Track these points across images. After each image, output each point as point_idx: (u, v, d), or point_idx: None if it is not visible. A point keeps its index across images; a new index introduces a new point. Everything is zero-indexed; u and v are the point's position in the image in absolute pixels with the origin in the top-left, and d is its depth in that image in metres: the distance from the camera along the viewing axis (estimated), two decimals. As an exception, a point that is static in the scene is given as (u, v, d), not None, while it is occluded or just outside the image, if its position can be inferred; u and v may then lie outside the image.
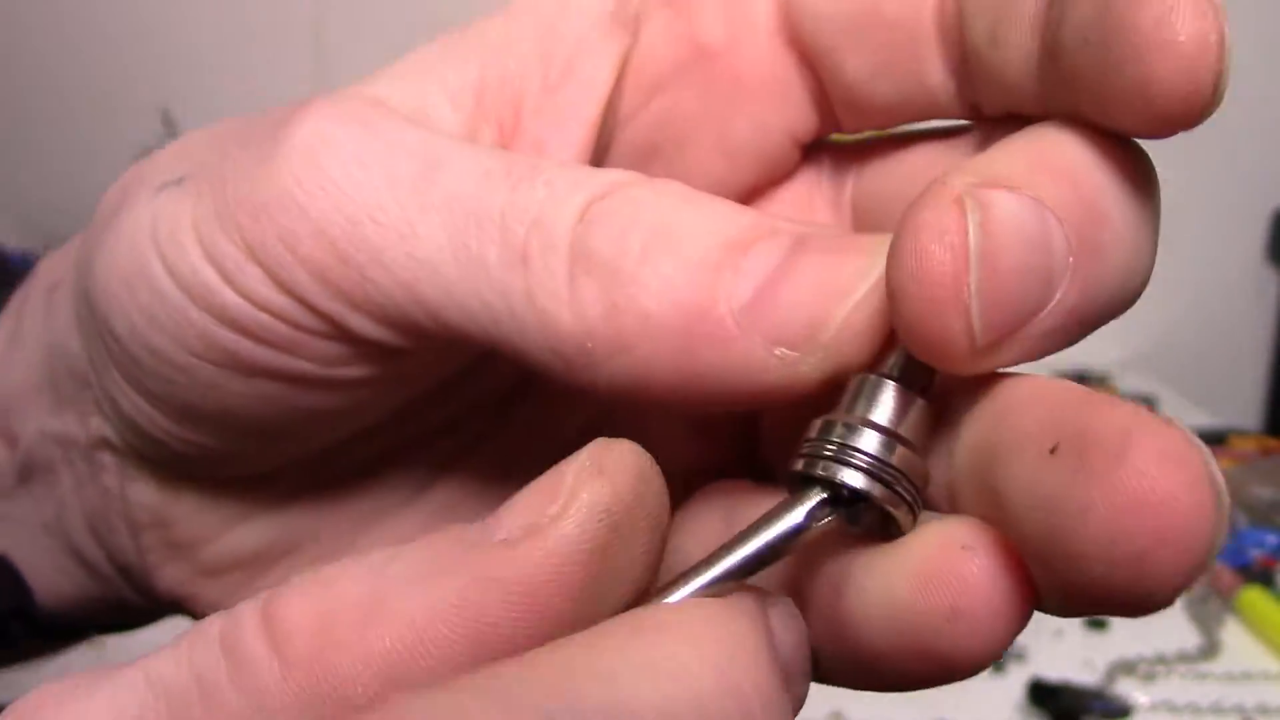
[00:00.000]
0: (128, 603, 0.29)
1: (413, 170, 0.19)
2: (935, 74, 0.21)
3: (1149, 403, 1.31)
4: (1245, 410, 1.64)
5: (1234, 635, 0.79)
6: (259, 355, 0.20)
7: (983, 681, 0.72)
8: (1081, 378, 1.37)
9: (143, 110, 1.50)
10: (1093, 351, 1.54)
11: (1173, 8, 0.17)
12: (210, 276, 0.20)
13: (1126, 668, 0.74)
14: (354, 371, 0.20)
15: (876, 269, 0.18)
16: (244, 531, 0.25)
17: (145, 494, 0.25)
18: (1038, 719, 0.68)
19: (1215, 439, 1.14)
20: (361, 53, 1.70)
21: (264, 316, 0.20)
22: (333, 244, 0.19)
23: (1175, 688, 0.72)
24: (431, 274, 0.18)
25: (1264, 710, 0.70)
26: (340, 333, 0.20)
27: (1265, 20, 1.55)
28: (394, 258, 0.18)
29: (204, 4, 1.51)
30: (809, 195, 0.24)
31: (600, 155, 0.22)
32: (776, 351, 0.18)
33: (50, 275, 0.27)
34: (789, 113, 0.22)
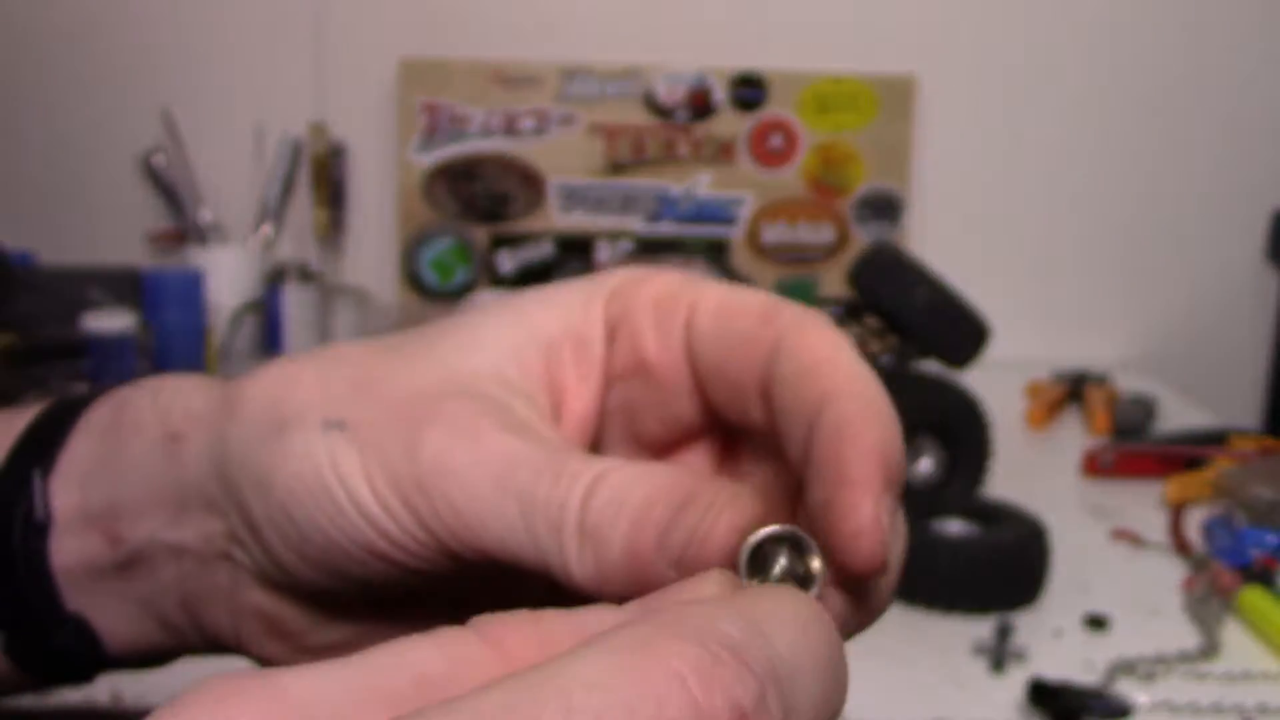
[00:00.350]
0: (197, 650, 0.36)
1: (501, 469, 0.30)
2: (758, 419, 0.31)
3: (1149, 403, 1.31)
4: (1245, 410, 1.64)
5: (1234, 635, 0.79)
6: (399, 556, 0.31)
7: (982, 681, 0.72)
8: (1081, 378, 1.37)
9: (143, 110, 1.50)
10: (1093, 351, 1.54)
11: (861, 531, 0.26)
12: (378, 512, 0.30)
13: (1126, 668, 0.74)
14: (455, 574, 0.31)
15: (712, 513, 0.28)
16: (328, 629, 0.34)
17: (255, 597, 0.34)
18: (1038, 719, 0.68)
19: (1215, 439, 1.14)
20: (362, 53, 1.71)
21: (410, 541, 0.30)
22: (458, 514, 0.30)
23: (1175, 688, 0.72)
24: (513, 537, 0.29)
25: (1264, 710, 0.70)
26: (456, 559, 0.31)
27: (1265, 21, 1.55)
28: (494, 526, 0.30)
29: (204, 4, 1.51)
30: (720, 444, 0.35)
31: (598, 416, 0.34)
32: (671, 572, 0.28)
33: (162, 423, 0.34)
34: (700, 403, 0.33)
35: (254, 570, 0.33)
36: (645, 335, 0.32)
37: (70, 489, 0.34)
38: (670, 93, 1.52)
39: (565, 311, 0.33)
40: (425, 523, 0.30)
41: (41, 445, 0.35)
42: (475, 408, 0.30)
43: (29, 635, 0.34)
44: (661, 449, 0.35)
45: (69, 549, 0.34)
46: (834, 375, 0.28)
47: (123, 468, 0.34)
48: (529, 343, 0.32)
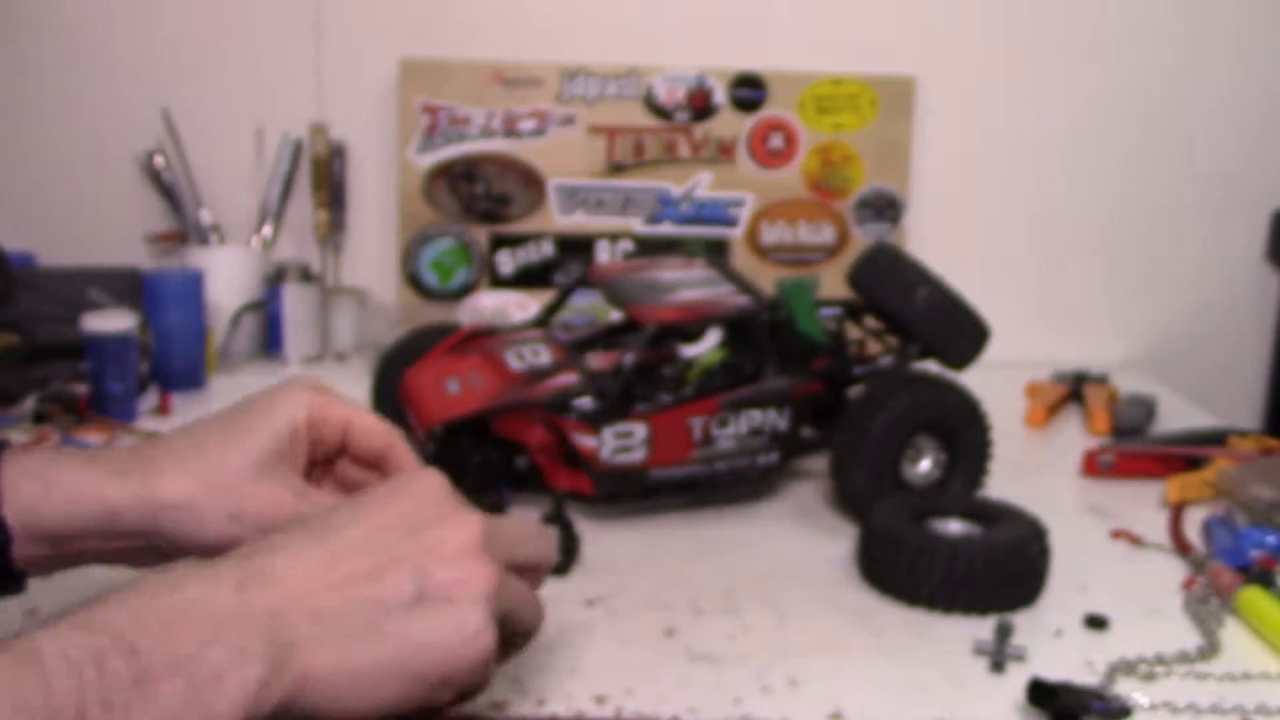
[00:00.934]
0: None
1: (286, 505, 0.62)
2: (361, 463, 0.68)
3: (1149, 403, 1.31)
4: (1245, 410, 1.64)
5: (1234, 635, 0.79)
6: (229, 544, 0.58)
7: (982, 681, 0.72)
8: (1081, 378, 1.37)
9: (143, 110, 1.50)
10: (1093, 352, 1.54)
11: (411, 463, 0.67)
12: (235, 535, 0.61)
13: (1126, 668, 0.74)
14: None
15: None
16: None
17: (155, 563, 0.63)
18: (1037, 719, 0.68)
19: (1215, 439, 1.14)
20: (362, 53, 1.71)
21: (242, 538, 0.58)
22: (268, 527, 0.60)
23: (1175, 688, 0.72)
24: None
25: (1264, 710, 0.70)
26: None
27: (1265, 22, 1.55)
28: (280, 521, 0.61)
29: (204, 4, 1.51)
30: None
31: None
32: None
33: (98, 496, 0.59)
34: (338, 454, 0.67)
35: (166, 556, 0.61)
36: (328, 422, 0.64)
37: (21, 519, 0.57)
38: (670, 93, 1.52)
39: (290, 410, 0.63)
40: (259, 533, 0.57)
41: None
42: (271, 484, 0.61)
43: None
44: (322, 466, 0.67)
45: (25, 555, 0.58)
46: (404, 460, 0.65)
47: (64, 516, 0.58)
48: (280, 427, 0.62)
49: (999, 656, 0.74)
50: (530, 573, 0.58)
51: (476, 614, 0.51)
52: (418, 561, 0.51)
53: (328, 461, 0.66)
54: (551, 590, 0.81)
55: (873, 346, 1.08)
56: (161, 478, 0.58)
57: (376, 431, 0.64)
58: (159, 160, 1.48)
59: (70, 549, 0.58)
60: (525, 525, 0.60)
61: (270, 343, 1.45)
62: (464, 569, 0.51)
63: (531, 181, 1.52)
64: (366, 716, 0.49)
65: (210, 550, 0.56)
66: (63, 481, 0.57)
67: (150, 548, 0.60)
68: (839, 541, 0.93)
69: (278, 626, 0.46)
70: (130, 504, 0.57)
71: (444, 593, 0.51)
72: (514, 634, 0.56)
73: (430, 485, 0.55)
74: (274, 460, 0.61)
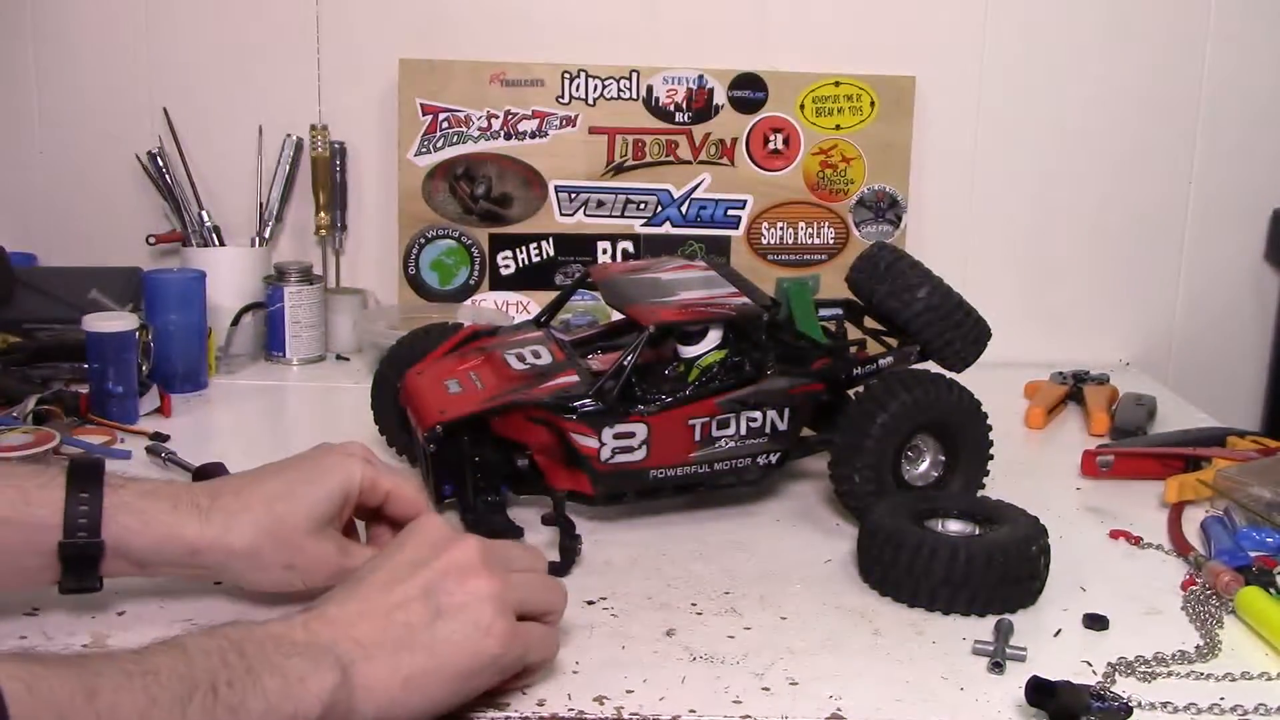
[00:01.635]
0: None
1: (330, 561, 0.77)
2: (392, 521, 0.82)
3: (1149, 403, 1.31)
4: (1245, 411, 1.64)
5: (1234, 635, 0.80)
6: (283, 589, 0.77)
7: (982, 681, 0.72)
8: (1081, 378, 1.37)
9: (143, 110, 1.50)
10: (1093, 352, 1.54)
11: (425, 507, 0.81)
12: (291, 583, 0.78)
13: (1126, 668, 0.74)
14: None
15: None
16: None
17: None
18: (1037, 719, 0.68)
19: (1215, 439, 1.14)
20: (362, 54, 1.70)
21: (294, 585, 0.77)
22: (314, 580, 0.77)
23: (1175, 688, 0.72)
24: (332, 576, 0.75)
25: (1264, 710, 0.70)
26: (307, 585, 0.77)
27: (1265, 23, 1.55)
28: (322, 578, 0.76)
29: (204, 5, 1.51)
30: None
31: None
32: None
33: (180, 540, 0.73)
34: (376, 512, 0.82)
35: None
36: (374, 491, 0.78)
37: (115, 543, 0.70)
38: (670, 94, 1.52)
39: (346, 477, 0.76)
40: (306, 582, 0.75)
41: (88, 496, 0.70)
42: (322, 541, 0.75)
43: (77, 583, 0.71)
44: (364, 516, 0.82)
45: (110, 568, 0.71)
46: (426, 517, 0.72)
47: (154, 549, 0.71)
48: (336, 492, 0.76)
49: (999, 656, 0.74)
50: (533, 569, 0.72)
51: (486, 611, 0.63)
52: (430, 586, 0.64)
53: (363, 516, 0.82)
54: (552, 590, 0.81)
55: (873, 346, 1.08)
56: (235, 531, 0.72)
57: (414, 502, 0.79)
58: (159, 161, 1.48)
59: (150, 571, 0.73)
60: (519, 546, 0.74)
61: (271, 343, 1.45)
62: (469, 582, 0.64)
63: (532, 182, 1.53)
64: (430, 714, 0.62)
65: (266, 589, 0.75)
66: (158, 521, 0.71)
67: (213, 578, 0.76)
68: (839, 541, 0.93)
69: (336, 651, 0.60)
70: (208, 548, 0.72)
71: (456, 604, 0.63)
72: (541, 616, 0.68)
73: (429, 527, 0.68)
74: (326, 521, 0.75)
